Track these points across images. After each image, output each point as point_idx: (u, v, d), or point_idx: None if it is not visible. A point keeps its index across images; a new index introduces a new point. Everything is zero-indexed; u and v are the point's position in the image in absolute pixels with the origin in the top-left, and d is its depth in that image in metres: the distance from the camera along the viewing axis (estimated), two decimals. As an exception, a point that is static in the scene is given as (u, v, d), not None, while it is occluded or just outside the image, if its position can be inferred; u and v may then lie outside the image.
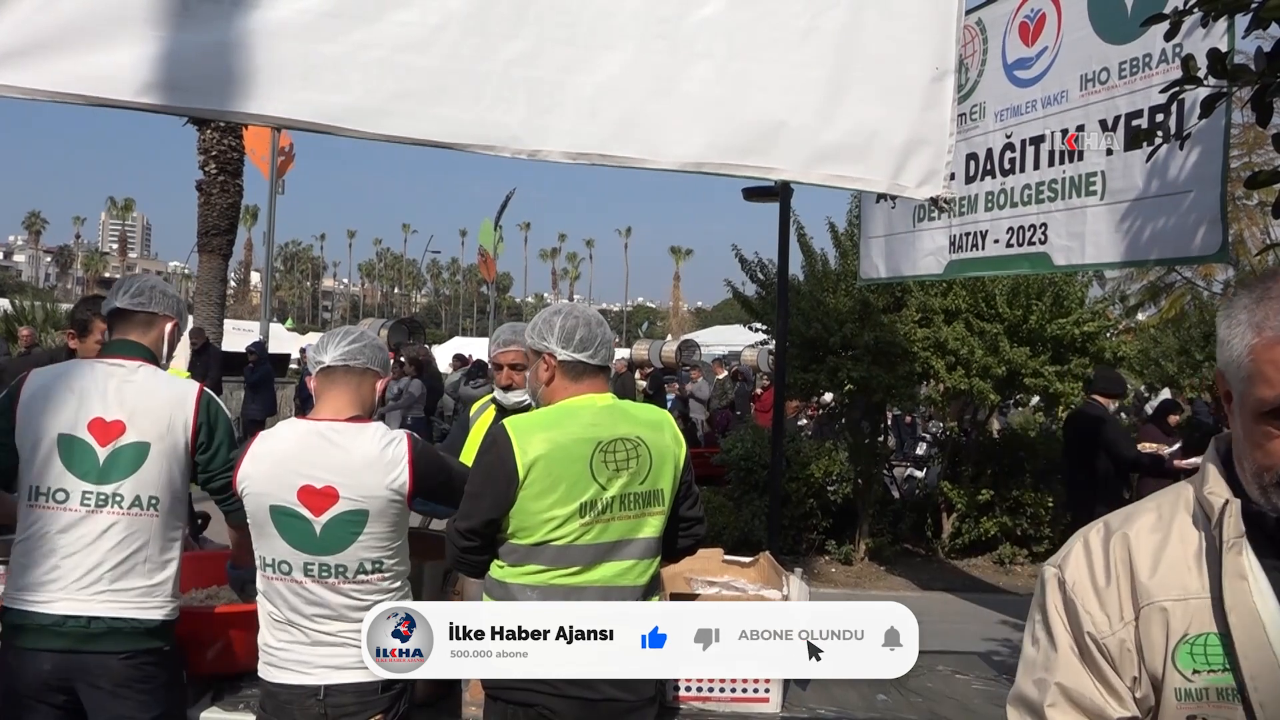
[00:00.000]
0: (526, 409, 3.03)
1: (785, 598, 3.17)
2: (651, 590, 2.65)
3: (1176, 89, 3.51)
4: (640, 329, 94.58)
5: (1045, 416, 10.39)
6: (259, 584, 2.66)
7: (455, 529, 2.59)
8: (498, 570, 2.58)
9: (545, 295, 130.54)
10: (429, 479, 2.69)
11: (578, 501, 2.49)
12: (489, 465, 2.55)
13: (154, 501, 2.70)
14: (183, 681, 2.89)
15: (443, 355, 23.91)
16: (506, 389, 3.72)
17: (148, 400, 2.72)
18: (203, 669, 3.06)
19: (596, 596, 2.52)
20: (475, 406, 4.05)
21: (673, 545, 2.74)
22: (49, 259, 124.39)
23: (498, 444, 2.53)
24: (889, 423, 13.41)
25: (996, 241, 5.82)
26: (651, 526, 2.60)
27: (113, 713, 2.61)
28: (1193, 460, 10.75)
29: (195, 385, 2.84)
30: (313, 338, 30.60)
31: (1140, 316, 16.37)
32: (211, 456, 2.79)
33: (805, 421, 13.43)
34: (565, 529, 2.49)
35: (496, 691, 2.54)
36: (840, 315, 9.18)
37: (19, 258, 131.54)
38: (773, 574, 3.53)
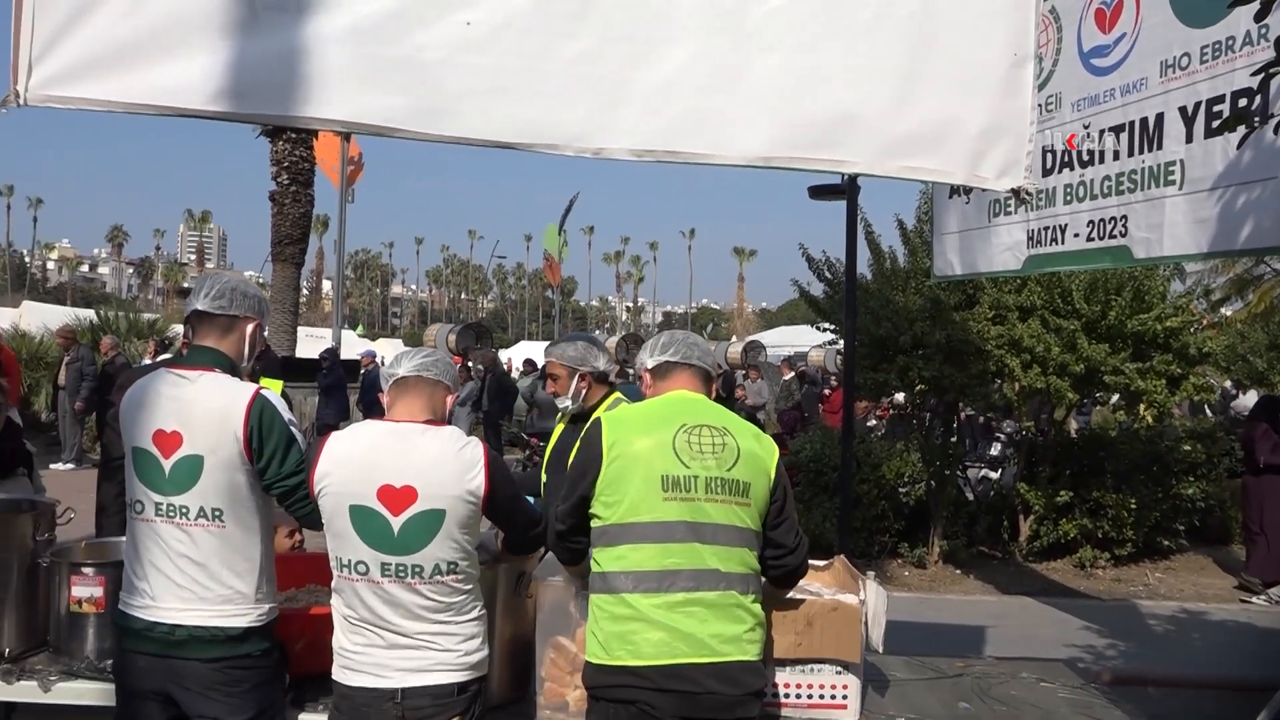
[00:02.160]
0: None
1: (862, 602, 3.08)
2: (749, 586, 2.66)
3: (1268, 71, 3.35)
4: (705, 331, 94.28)
5: (1126, 415, 10.06)
6: (334, 583, 2.68)
7: (554, 513, 2.80)
8: (595, 564, 2.68)
9: (609, 298, 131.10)
10: (504, 485, 2.71)
11: (660, 474, 2.61)
12: (582, 449, 2.77)
13: (218, 513, 2.68)
14: (282, 681, 2.88)
15: (508, 359, 24.12)
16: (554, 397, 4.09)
17: (199, 412, 2.69)
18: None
19: (688, 581, 2.57)
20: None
21: (763, 567, 2.76)
22: (131, 271, 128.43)
23: (590, 431, 2.79)
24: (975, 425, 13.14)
25: (1076, 235, 5.63)
26: (742, 518, 2.66)
27: (202, 712, 2.66)
28: None
29: (248, 393, 2.73)
30: (381, 343, 31.17)
31: (1226, 311, 15.79)
32: (265, 467, 2.72)
33: (875, 422, 13.23)
34: (649, 502, 2.60)
35: (598, 691, 2.61)
36: (910, 314, 9.01)
37: (103, 270, 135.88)
38: (848, 578, 3.44)
